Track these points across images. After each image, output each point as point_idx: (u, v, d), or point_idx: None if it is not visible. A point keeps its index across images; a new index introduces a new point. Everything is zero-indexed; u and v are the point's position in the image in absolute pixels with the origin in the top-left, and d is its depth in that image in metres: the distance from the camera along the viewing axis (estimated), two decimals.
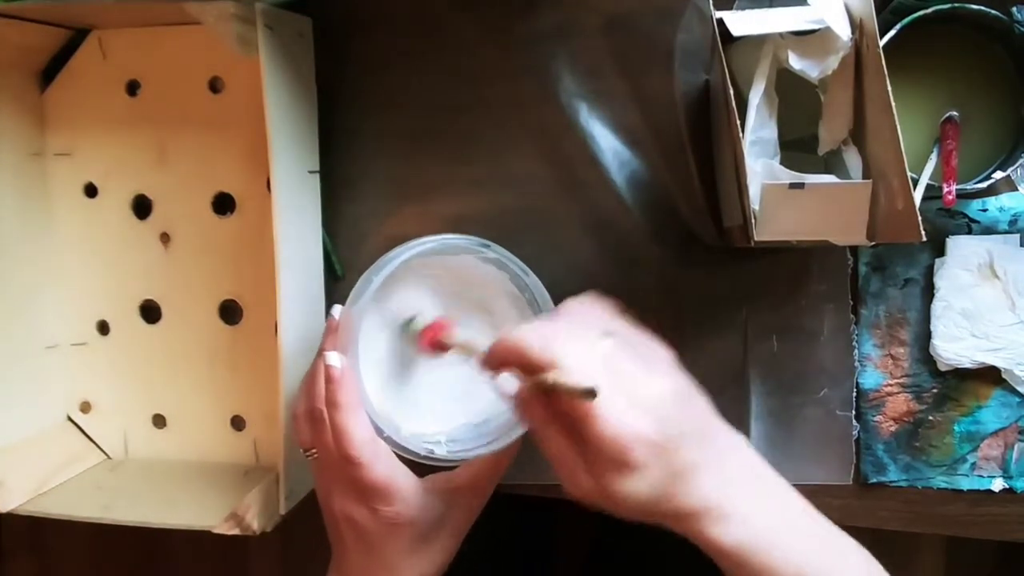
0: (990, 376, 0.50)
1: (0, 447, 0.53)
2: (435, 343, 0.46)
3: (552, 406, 0.38)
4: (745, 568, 0.39)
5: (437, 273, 0.49)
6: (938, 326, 0.50)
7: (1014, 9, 0.44)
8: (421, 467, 0.46)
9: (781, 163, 0.43)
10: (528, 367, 0.38)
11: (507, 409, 0.48)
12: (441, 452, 0.47)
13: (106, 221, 0.57)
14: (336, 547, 0.47)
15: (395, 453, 0.45)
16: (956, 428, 0.51)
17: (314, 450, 0.45)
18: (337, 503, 0.45)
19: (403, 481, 0.44)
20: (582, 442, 0.37)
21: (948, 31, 0.46)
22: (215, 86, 0.55)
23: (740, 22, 0.42)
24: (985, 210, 0.50)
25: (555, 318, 0.41)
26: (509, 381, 0.40)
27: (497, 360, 0.40)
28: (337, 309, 0.45)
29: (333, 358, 0.43)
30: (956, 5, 0.44)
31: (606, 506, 0.39)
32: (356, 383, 0.44)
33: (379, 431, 0.44)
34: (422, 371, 0.49)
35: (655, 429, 0.37)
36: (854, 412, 0.52)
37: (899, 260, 0.51)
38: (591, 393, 0.35)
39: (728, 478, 0.39)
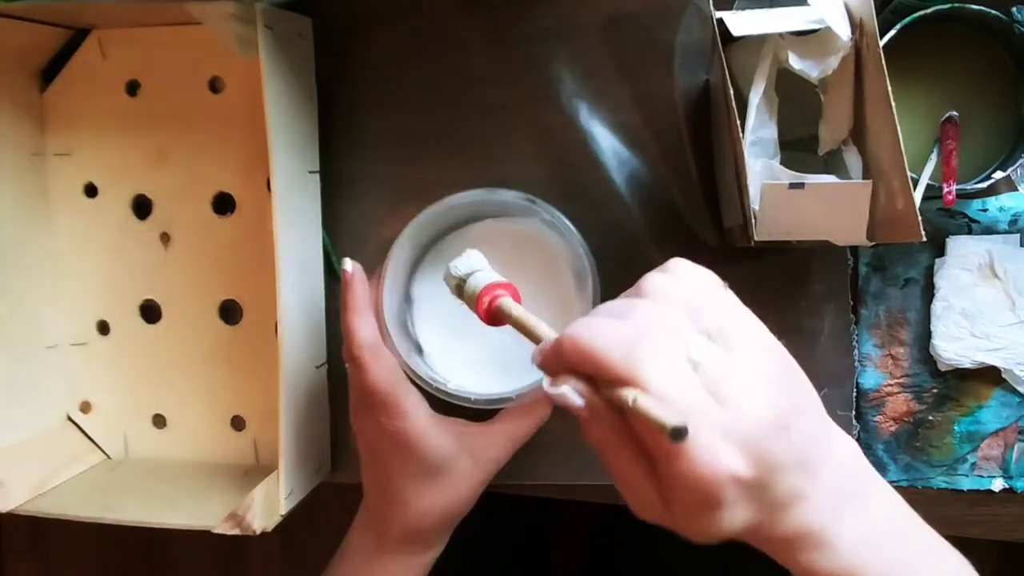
0: (990, 376, 0.50)
1: (0, 447, 0.53)
2: (491, 312, 0.40)
3: (627, 429, 0.33)
4: None
5: (498, 233, 0.50)
6: (938, 326, 0.50)
7: (1014, 9, 0.44)
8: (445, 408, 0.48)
9: (781, 163, 0.43)
10: (604, 379, 0.32)
11: (538, 386, 0.46)
12: (449, 387, 0.47)
13: (106, 221, 0.57)
14: (361, 471, 0.49)
15: (414, 383, 0.46)
16: (956, 428, 0.51)
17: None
18: (353, 416, 0.47)
19: (407, 398, 0.45)
20: (661, 478, 0.32)
21: (948, 31, 0.46)
22: (215, 86, 0.55)
23: (740, 22, 0.42)
24: (985, 210, 0.50)
25: (637, 309, 0.34)
26: (571, 388, 0.33)
27: (562, 363, 0.33)
28: (347, 263, 0.46)
29: (347, 263, 0.46)
30: (956, 5, 0.44)
31: (682, 534, 0.34)
32: (366, 290, 0.46)
33: (396, 352, 0.46)
34: (476, 326, 0.46)
35: (753, 468, 0.31)
36: (854, 412, 0.52)
37: (899, 260, 0.51)
38: (681, 433, 0.30)
39: (832, 501, 0.35)
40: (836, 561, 0.35)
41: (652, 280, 0.35)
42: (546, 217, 0.48)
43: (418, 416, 0.46)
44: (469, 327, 0.48)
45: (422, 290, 0.51)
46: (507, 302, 0.39)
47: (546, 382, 0.34)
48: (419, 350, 0.51)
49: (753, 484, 0.32)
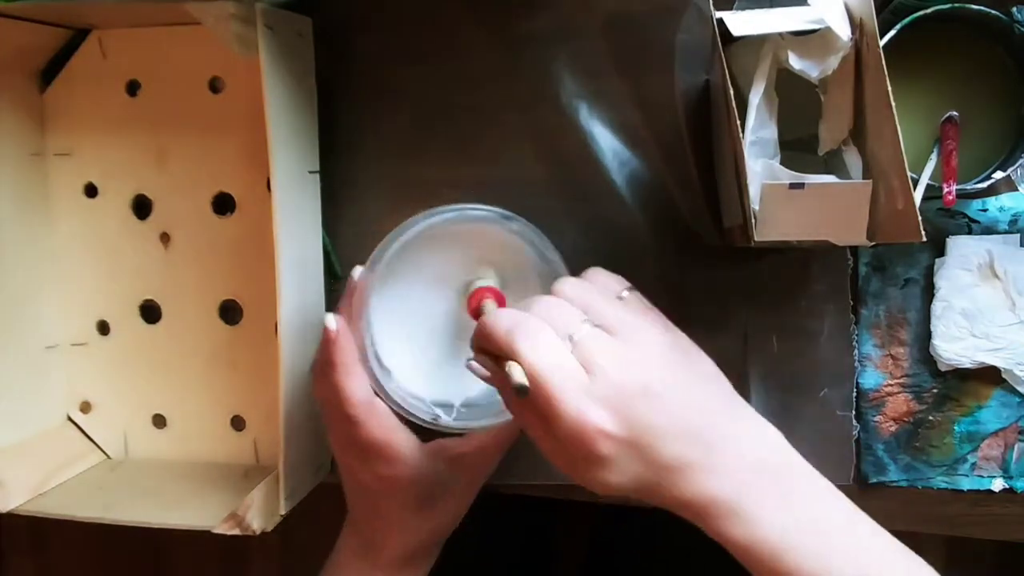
0: (990, 376, 0.50)
1: (0, 447, 0.53)
2: (475, 309, 0.46)
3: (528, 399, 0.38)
4: (757, 566, 0.38)
5: (467, 242, 0.49)
6: (938, 326, 0.50)
7: (1014, 9, 0.44)
8: (430, 433, 0.47)
9: (781, 163, 0.43)
10: (497, 353, 0.38)
11: None
12: (447, 420, 0.47)
13: (106, 221, 0.57)
14: (347, 499, 0.49)
15: (400, 416, 0.46)
16: (956, 428, 0.51)
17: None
18: (343, 459, 0.47)
19: (401, 442, 0.45)
20: (555, 437, 0.38)
21: (948, 31, 0.46)
22: (215, 86, 0.55)
23: (740, 22, 0.42)
24: (985, 210, 0.50)
25: (535, 303, 0.40)
26: (478, 364, 0.41)
27: (476, 343, 0.40)
28: (357, 271, 0.46)
29: (329, 320, 0.44)
30: (956, 5, 0.44)
31: (600, 491, 0.39)
32: (352, 344, 0.45)
33: (383, 392, 0.46)
34: (448, 338, 0.50)
35: (618, 425, 0.36)
36: (854, 412, 0.52)
37: (899, 260, 0.51)
38: (522, 391, 0.36)
39: (742, 477, 0.38)
40: (752, 533, 0.37)
41: (561, 282, 0.41)
42: (513, 227, 0.47)
43: (414, 457, 0.46)
44: (427, 337, 0.50)
45: (377, 305, 0.49)
46: (488, 303, 0.45)
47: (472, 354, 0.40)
48: (384, 368, 0.49)
49: (629, 442, 0.36)
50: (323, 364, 0.45)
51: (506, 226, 0.47)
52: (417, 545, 0.48)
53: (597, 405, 0.36)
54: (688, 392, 0.39)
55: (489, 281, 0.48)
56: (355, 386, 0.44)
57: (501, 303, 0.46)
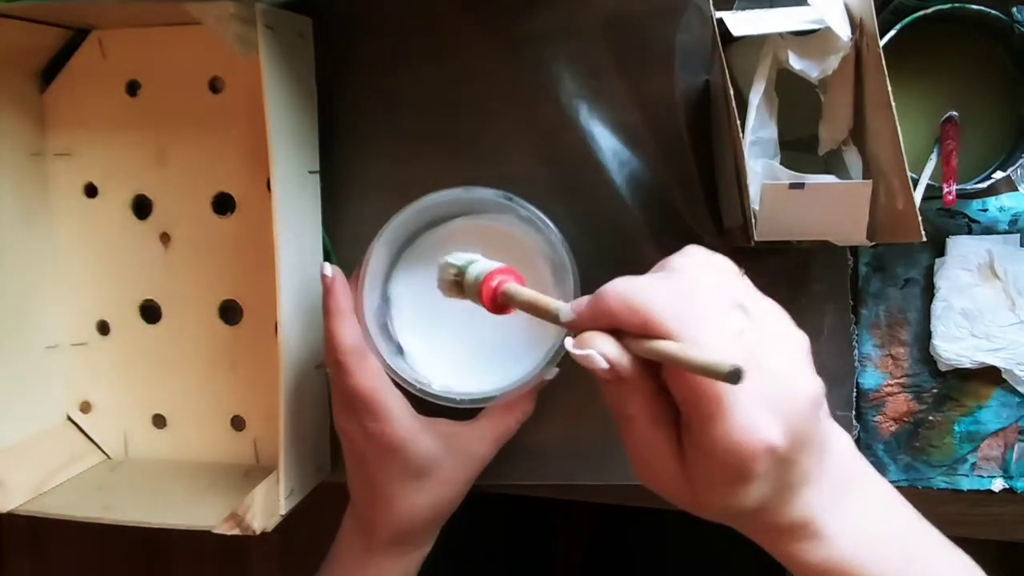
0: (990, 376, 0.50)
1: (0, 447, 0.53)
2: (497, 297, 0.38)
3: (655, 393, 0.33)
4: None
5: (473, 230, 0.50)
6: (938, 326, 0.50)
7: (1014, 9, 0.44)
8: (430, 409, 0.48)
9: (781, 163, 0.43)
10: (651, 333, 0.31)
11: (523, 383, 0.47)
12: (430, 388, 0.47)
13: (106, 221, 0.57)
14: (347, 475, 0.49)
15: (397, 385, 0.46)
16: (956, 428, 0.51)
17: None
18: (337, 420, 0.47)
19: (389, 400, 0.45)
20: (691, 444, 0.32)
21: (948, 31, 0.46)
22: (215, 86, 0.55)
23: (740, 22, 0.42)
24: (985, 210, 0.50)
25: (680, 272, 0.34)
26: (597, 352, 0.32)
27: (601, 317, 0.32)
28: (327, 267, 0.47)
29: (326, 268, 0.45)
30: (956, 5, 0.44)
31: (690, 510, 0.34)
32: (347, 293, 0.45)
33: (379, 355, 0.46)
34: (456, 324, 0.50)
35: (788, 439, 0.31)
36: (854, 412, 0.52)
37: (899, 260, 0.51)
38: (738, 375, 0.28)
39: (832, 491, 0.34)
40: (830, 553, 0.34)
41: (679, 259, 0.35)
42: (522, 213, 0.47)
43: (402, 419, 0.46)
44: (449, 325, 0.49)
45: (399, 290, 0.51)
46: (513, 286, 0.38)
47: (569, 342, 0.33)
48: (400, 351, 0.50)
49: (783, 459, 0.31)
50: (323, 311, 0.45)
51: (515, 212, 0.47)
52: (408, 522, 0.48)
53: (774, 416, 0.31)
54: (823, 398, 0.34)
55: (482, 260, 0.40)
56: (346, 333, 0.44)
57: (521, 283, 0.39)
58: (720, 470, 0.31)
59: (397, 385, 0.47)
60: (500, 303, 0.38)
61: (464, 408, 0.48)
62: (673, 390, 0.32)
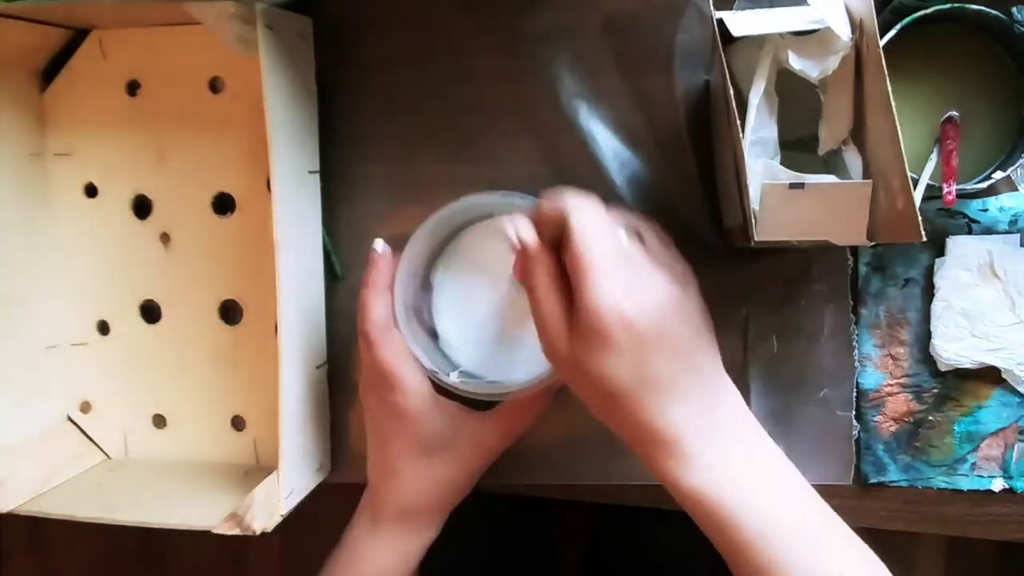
0: (990, 376, 0.50)
1: (0, 447, 0.53)
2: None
3: (556, 268, 0.40)
4: (701, 515, 0.39)
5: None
6: (938, 326, 0.50)
7: (1014, 9, 0.44)
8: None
9: (781, 163, 0.43)
10: (551, 216, 0.40)
11: (539, 379, 0.49)
12: (447, 379, 0.49)
13: (106, 221, 0.57)
14: (368, 447, 0.51)
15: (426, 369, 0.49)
16: (956, 428, 0.51)
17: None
18: (361, 389, 0.50)
19: (409, 376, 0.48)
20: (575, 312, 0.39)
21: (948, 31, 0.46)
22: (215, 86, 0.55)
23: (740, 22, 0.42)
24: (985, 210, 0.50)
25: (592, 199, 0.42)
26: (518, 227, 0.41)
27: (543, 217, 0.41)
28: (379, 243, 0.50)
29: (377, 243, 0.49)
30: (956, 5, 0.44)
31: (577, 382, 0.41)
32: (389, 271, 0.48)
33: (409, 338, 0.48)
34: (491, 314, 0.52)
35: (640, 320, 0.38)
36: (854, 412, 0.52)
37: (899, 260, 0.51)
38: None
39: (703, 419, 0.40)
40: (701, 479, 0.39)
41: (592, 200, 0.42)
42: None
43: (417, 394, 0.48)
44: (486, 314, 0.51)
45: (443, 278, 0.52)
46: None
47: (507, 225, 0.41)
48: (434, 335, 0.52)
49: (638, 337, 0.38)
50: (362, 282, 0.48)
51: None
52: (414, 497, 0.50)
53: (633, 296, 0.38)
54: (684, 332, 0.41)
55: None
56: (378, 307, 0.47)
57: None
58: (588, 331, 0.38)
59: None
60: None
61: (481, 400, 0.49)
62: (567, 262, 0.40)
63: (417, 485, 0.49)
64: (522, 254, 0.41)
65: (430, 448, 0.49)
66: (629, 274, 0.39)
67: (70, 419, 0.58)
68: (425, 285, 0.53)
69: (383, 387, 0.48)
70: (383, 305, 0.48)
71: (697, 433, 0.40)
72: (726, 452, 0.40)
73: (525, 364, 0.51)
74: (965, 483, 0.51)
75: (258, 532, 0.47)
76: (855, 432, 0.52)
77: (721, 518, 0.39)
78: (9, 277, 0.54)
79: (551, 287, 0.40)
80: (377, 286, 0.48)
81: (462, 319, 0.52)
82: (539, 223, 0.41)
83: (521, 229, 0.41)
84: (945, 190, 0.43)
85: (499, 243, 0.51)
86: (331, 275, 0.55)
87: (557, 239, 0.40)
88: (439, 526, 0.52)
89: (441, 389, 0.49)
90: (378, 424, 0.50)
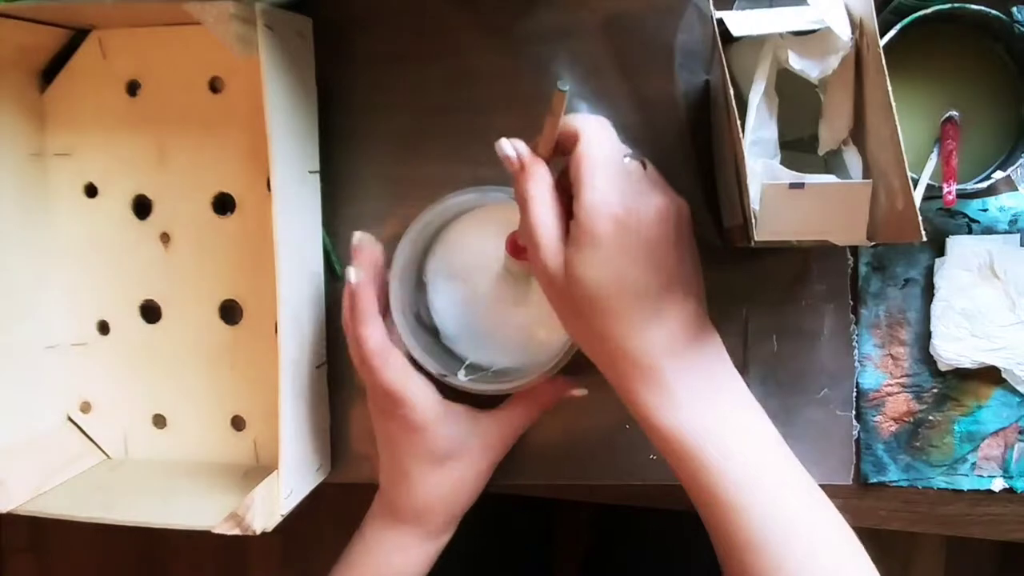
0: (990, 376, 0.50)
1: (0, 447, 0.53)
2: (513, 242, 0.48)
3: (555, 181, 0.42)
4: (670, 453, 0.40)
5: (488, 216, 0.52)
6: (938, 326, 0.50)
7: (1014, 9, 0.44)
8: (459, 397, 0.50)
9: (781, 163, 0.43)
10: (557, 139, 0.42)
11: (543, 370, 0.49)
12: (454, 380, 0.50)
13: (106, 221, 0.57)
14: (379, 455, 0.52)
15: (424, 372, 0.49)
16: (956, 428, 0.51)
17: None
18: (370, 407, 0.50)
19: (417, 391, 0.48)
20: (573, 216, 0.40)
21: (948, 31, 0.46)
22: (215, 86, 0.55)
23: (740, 22, 0.42)
24: (985, 210, 0.50)
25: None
26: (516, 146, 0.43)
27: (559, 133, 0.42)
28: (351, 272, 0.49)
29: (350, 273, 0.48)
30: (956, 5, 0.44)
31: (560, 295, 0.41)
32: (371, 296, 0.48)
33: (406, 349, 0.49)
34: (488, 302, 0.53)
35: (630, 226, 0.39)
36: (854, 412, 0.52)
37: (899, 260, 0.51)
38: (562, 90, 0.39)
39: (684, 355, 0.40)
40: (675, 419, 0.39)
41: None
42: None
43: (427, 405, 0.48)
44: (481, 301, 0.52)
45: (434, 275, 0.53)
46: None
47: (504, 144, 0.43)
48: (436, 333, 0.53)
49: (625, 244, 0.39)
50: (346, 314, 0.48)
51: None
52: (430, 503, 0.50)
53: (626, 204, 0.40)
54: (682, 262, 0.42)
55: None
56: (369, 334, 0.47)
57: None
58: (580, 232, 0.39)
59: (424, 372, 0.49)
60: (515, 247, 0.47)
61: (487, 396, 0.50)
62: (571, 167, 0.41)
63: (430, 490, 0.50)
64: (520, 171, 0.42)
65: (443, 456, 0.49)
66: (627, 187, 0.40)
67: (70, 419, 0.58)
68: (419, 286, 0.53)
69: (392, 406, 0.48)
70: (376, 331, 0.47)
71: (677, 367, 0.40)
72: (705, 395, 0.40)
73: (531, 351, 0.52)
74: (965, 483, 0.51)
75: (258, 532, 0.47)
76: (855, 432, 0.52)
77: (694, 463, 0.39)
78: (9, 277, 0.54)
79: (548, 197, 0.41)
80: (364, 314, 0.47)
81: (458, 310, 0.53)
82: (553, 140, 0.42)
83: (519, 146, 0.42)
84: (945, 190, 0.43)
85: (483, 230, 0.52)
86: (331, 275, 0.55)
87: (560, 165, 0.42)
88: (452, 530, 0.53)
89: (450, 389, 0.50)
90: (390, 437, 0.50)
